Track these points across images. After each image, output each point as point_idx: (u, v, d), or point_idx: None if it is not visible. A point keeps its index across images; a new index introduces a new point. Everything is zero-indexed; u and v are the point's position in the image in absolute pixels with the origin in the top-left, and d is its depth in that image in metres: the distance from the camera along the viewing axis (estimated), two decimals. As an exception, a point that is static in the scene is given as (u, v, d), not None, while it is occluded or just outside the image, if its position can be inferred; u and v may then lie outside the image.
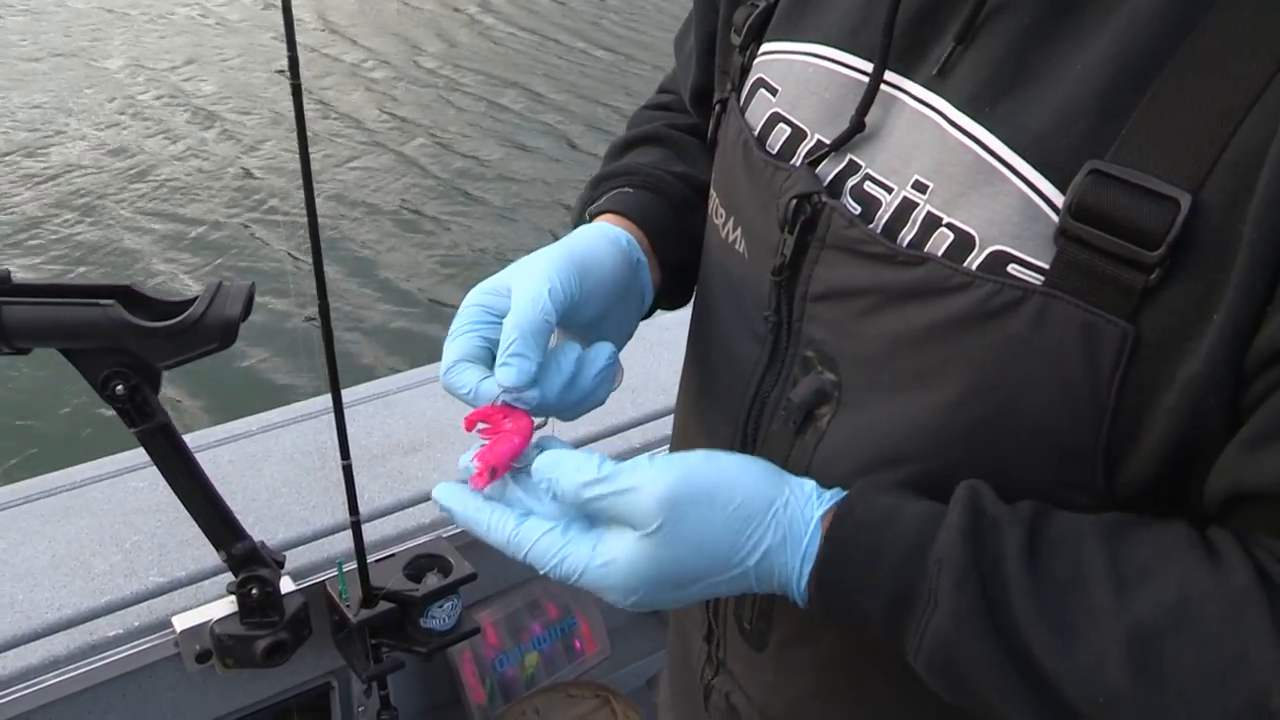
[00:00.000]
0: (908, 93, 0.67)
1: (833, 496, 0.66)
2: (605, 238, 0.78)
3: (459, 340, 0.70)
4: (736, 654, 0.84)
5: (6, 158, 6.46)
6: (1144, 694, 0.56)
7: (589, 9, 10.30)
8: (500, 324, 0.69)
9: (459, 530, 1.50)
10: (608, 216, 0.84)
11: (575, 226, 0.88)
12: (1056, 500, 0.62)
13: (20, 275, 1.08)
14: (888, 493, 0.64)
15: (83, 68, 8.07)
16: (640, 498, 0.63)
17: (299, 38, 1.12)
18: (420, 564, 1.41)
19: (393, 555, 1.42)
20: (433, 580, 1.39)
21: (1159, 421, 0.57)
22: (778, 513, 0.64)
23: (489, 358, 0.70)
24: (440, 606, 1.39)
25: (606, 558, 0.63)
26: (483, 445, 0.67)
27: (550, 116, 7.66)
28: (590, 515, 0.66)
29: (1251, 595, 0.55)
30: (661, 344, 1.93)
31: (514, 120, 7.63)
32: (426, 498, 1.53)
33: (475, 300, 0.72)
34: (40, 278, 1.10)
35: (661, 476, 0.63)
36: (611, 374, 0.72)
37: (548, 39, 9.37)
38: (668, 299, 0.88)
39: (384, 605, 1.34)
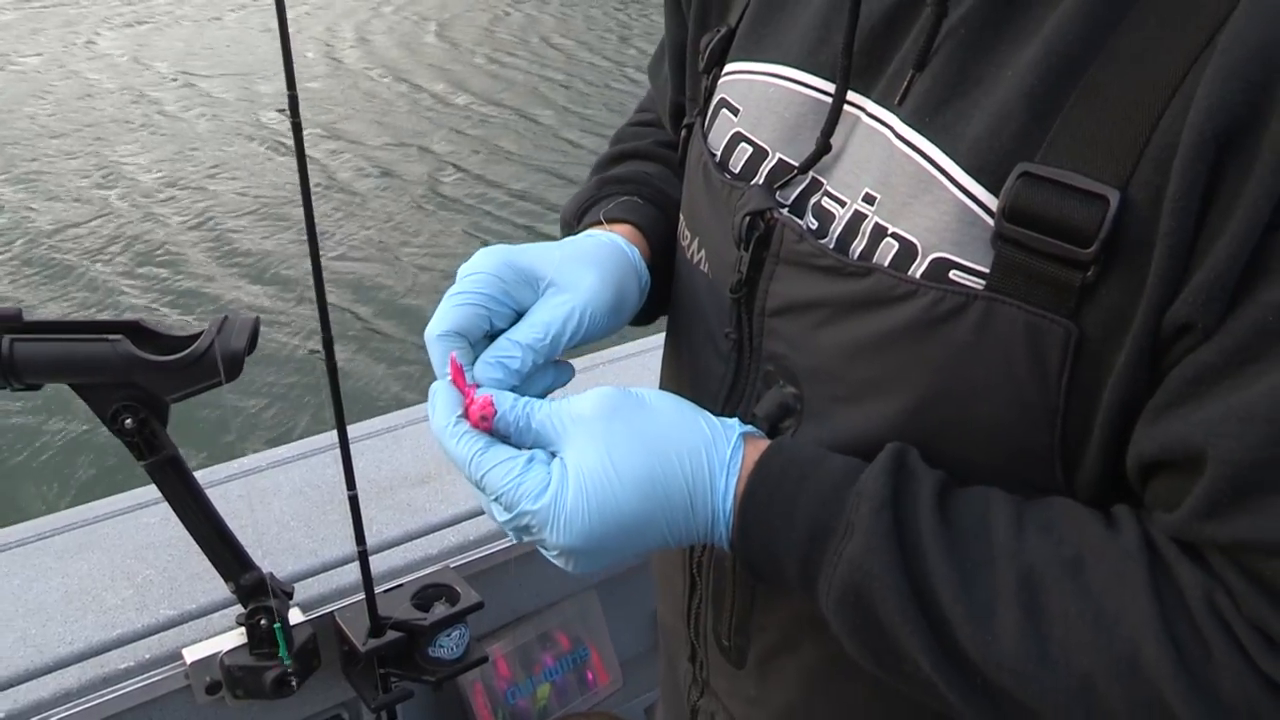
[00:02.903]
0: (862, 109, 0.68)
1: (743, 426, 0.69)
2: (635, 275, 0.79)
3: (463, 310, 0.70)
4: (719, 673, 0.85)
5: (18, 203, 6.57)
6: (1028, 639, 0.58)
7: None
8: (508, 309, 0.72)
9: (466, 560, 1.51)
10: (627, 229, 0.85)
11: (573, 220, 0.89)
12: None
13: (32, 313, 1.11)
14: (817, 447, 0.67)
15: (85, 106, 8.21)
16: (582, 404, 0.67)
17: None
18: (428, 594, 1.42)
19: (400, 585, 1.43)
20: (440, 609, 1.39)
21: (1102, 415, 0.59)
22: (701, 424, 0.67)
23: (483, 334, 0.72)
24: (448, 635, 1.39)
25: (557, 492, 0.64)
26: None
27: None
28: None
29: (1135, 557, 0.58)
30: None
31: (538, 152, 7.72)
32: (434, 529, 1.55)
33: (496, 271, 0.72)
34: (51, 315, 1.12)
35: (596, 396, 0.68)
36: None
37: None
38: (641, 315, 0.89)
39: (392, 634, 1.35)
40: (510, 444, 0.68)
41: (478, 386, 0.70)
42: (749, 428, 0.69)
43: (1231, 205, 0.52)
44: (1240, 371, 0.53)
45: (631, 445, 0.65)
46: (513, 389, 0.70)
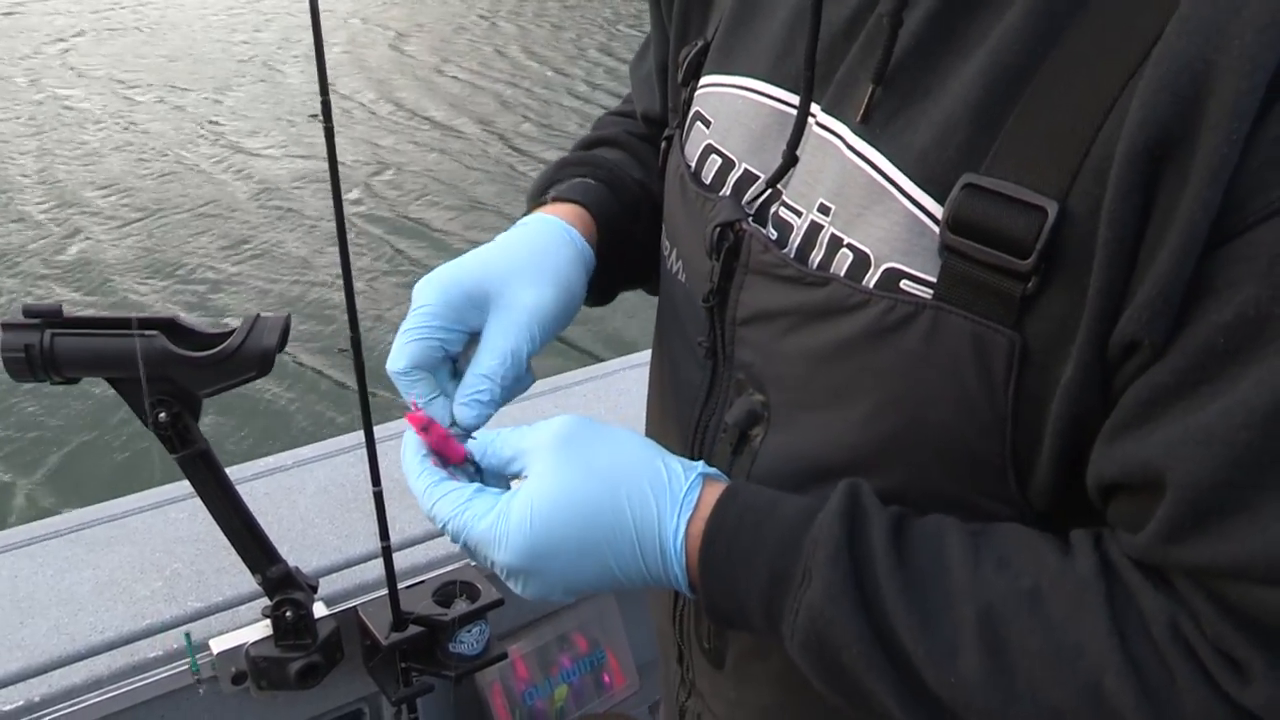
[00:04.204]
0: (814, 117, 0.69)
1: (706, 468, 0.70)
2: (579, 258, 0.82)
3: (418, 345, 0.74)
4: (702, 673, 0.87)
5: (58, 205, 6.66)
6: (993, 677, 0.58)
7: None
8: (460, 334, 0.75)
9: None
10: (572, 209, 0.86)
11: (534, 200, 0.91)
12: (979, 513, 0.64)
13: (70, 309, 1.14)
14: (771, 490, 0.68)
15: (125, 106, 8.32)
16: (537, 434, 0.70)
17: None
18: (449, 590, 1.44)
19: (422, 582, 1.46)
20: (461, 606, 1.42)
21: (1050, 426, 0.59)
22: (658, 464, 0.69)
23: (441, 366, 0.76)
24: (468, 631, 1.42)
25: (500, 513, 0.67)
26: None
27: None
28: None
29: (1092, 584, 0.58)
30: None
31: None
32: (456, 528, 1.57)
33: (443, 299, 0.75)
34: (89, 312, 1.15)
35: (553, 425, 0.70)
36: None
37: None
38: (590, 296, 0.91)
39: (413, 629, 1.37)
40: (497, 477, 0.73)
41: (454, 425, 0.75)
42: (712, 470, 0.70)
43: (1168, 219, 0.52)
44: (1194, 393, 0.53)
45: (578, 471, 0.67)
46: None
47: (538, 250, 0.80)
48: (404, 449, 0.74)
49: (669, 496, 0.67)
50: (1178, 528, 0.54)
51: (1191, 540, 0.54)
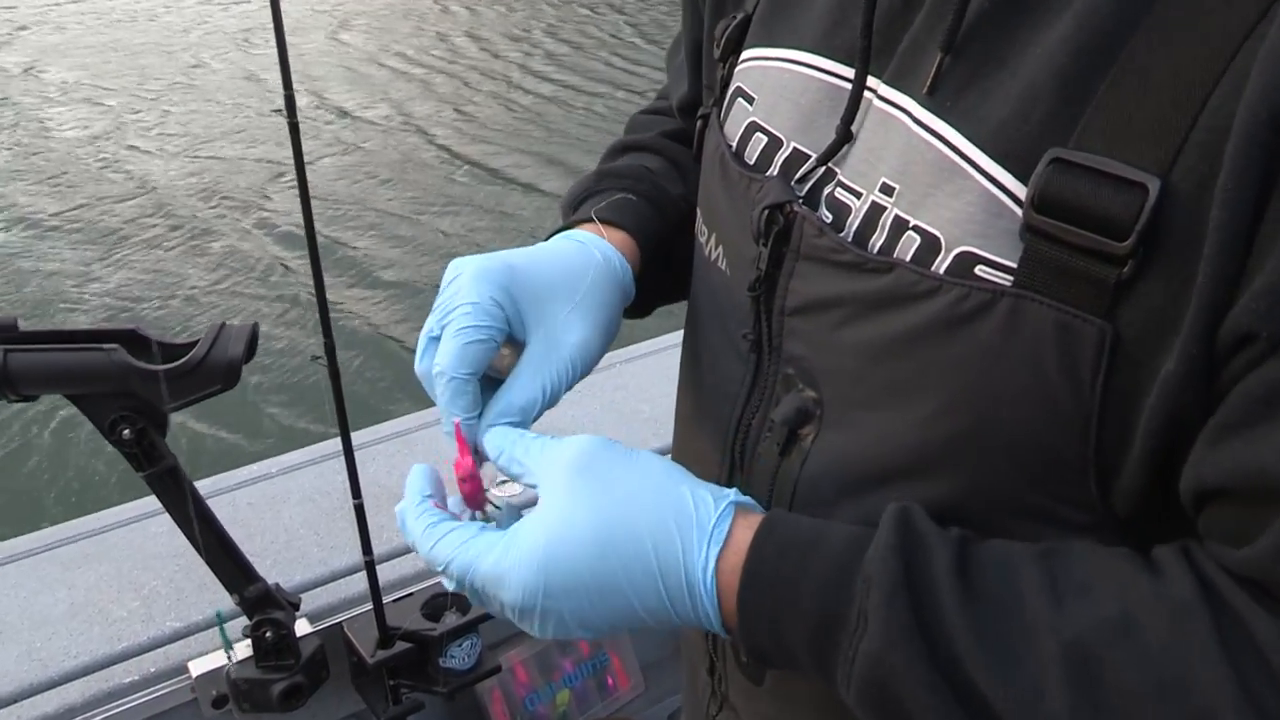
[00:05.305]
0: (874, 91, 0.64)
1: (739, 497, 0.64)
2: (622, 296, 0.78)
3: (480, 348, 0.68)
4: (737, 688, 0.82)
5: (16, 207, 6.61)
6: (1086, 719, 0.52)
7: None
8: (507, 332, 0.70)
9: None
10: (619, 235, 0.82)
11: (570, 209, 0.87)
12: (1052, 518, 0.59)
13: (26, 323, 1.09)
14: (812, 518, 0.62)
15: (85, 105, 8.27)
16: (551, 458, 0.65)
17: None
18: (438, 603, 1.39)
19: (410, 595, 1.41)
20: (451, 619, 1.37)
21: (1144, 425, 0.53)
22: (684, 491, 0.63)
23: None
24: (459, 645, 1.37)
25: (507, 547, 0.62)
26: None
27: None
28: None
29: (1193, 608, 0.52)
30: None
31: (547, 152, 7.72)
32: (446, 536, 1.52)
33: (505, 299, 0.70)
34: (46, 325, 1.11)
35: (565, 450, 0.65)
36: None
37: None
38: (631, 311, 0.87)
39: (401, 645, 1.33)
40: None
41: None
42: (746, 499, 0.65)
43: None
44: None
45: (593, 500, 0.62)
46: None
47: (586, 279, 0.75)
48: (408, 487, 0.68)
49: (695, 528, 0.61)
50: None
51: None
